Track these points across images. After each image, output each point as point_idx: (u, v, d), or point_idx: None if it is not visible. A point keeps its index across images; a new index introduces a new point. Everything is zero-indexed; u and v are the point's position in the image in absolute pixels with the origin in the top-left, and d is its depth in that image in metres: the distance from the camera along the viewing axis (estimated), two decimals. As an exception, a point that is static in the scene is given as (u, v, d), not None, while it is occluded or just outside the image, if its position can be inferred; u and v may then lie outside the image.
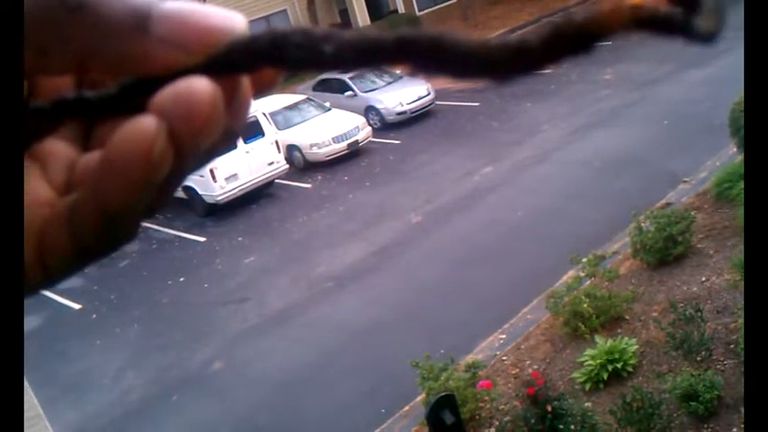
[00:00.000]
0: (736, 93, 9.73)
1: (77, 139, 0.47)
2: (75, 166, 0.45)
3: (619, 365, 7.75)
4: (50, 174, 0.45)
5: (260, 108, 16.79)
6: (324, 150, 17.31)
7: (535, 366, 8.53)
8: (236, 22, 0.41)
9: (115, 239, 0.42)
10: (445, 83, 21.83)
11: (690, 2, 0.38)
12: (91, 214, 0.41)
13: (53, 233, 0.42)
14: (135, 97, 0.41)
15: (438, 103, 19.51)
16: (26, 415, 5.95)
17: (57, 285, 0.46)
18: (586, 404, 7.51)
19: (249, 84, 0.44)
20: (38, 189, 0.44)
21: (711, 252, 9.37)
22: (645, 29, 0.39)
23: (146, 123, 0.38)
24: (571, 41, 0.39)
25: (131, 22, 0.38)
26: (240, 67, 0.42)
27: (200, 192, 15.33)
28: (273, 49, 0.41)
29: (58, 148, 0.46)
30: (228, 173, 15.27)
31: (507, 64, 0.39)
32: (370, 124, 18.49)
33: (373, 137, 18.11)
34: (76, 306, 13.18)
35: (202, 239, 14.87)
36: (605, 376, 7.74)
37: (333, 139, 17.35)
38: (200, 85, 0.39)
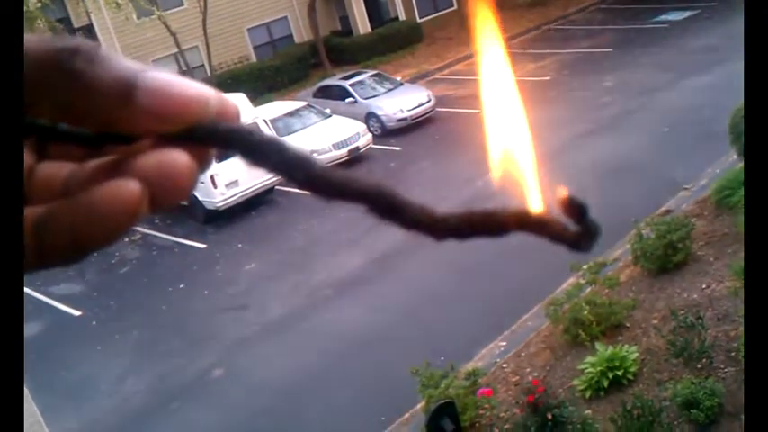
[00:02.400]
0: (737, 100, 9.74)
1: (32, 145, 0.48)
2: (32, 173, 0.47)
3: (619, 373, 7.73)
4: None
5: (261, 115, 16.82)
6: (324, 157, 17.30)
7: (535, 374, 8.51)
8: (210, 98, 0.44)
9: (79, 258, 0.45)
10: (446, 89, 21.87)
11: (581, 222, 0.49)
12: (63, 240, 0.43)
13: None
14: (110, 144, 0.45)
15: (438, 109, 19.53)
16: (25, 422, 5.93)
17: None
18: (587, 412, 7.49)
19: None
20: None
21: (712, 259, 9.36)
22: (538, 235, 0.49)
23: (131, 189, 0.42)
24: (478, 227, 0.48)
25: (118, 90, 0.41)
26: (216, 145, 0.46)
27: (200, 198, 15.31)
28: (249, 149, 0.45)
29: None
30: (229, 179, 15.25)
31: (435, 229, 0.48)
32: (370, 131, 18.51)
33: (374, 144, 18.13)
34: (76, 313, 13.17)
35: (202, 246, 14.87)
36: (606, 384, 7.73)
37: (333, 145, 17.36)
38: (182, 160, 0.43)
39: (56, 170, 0.47)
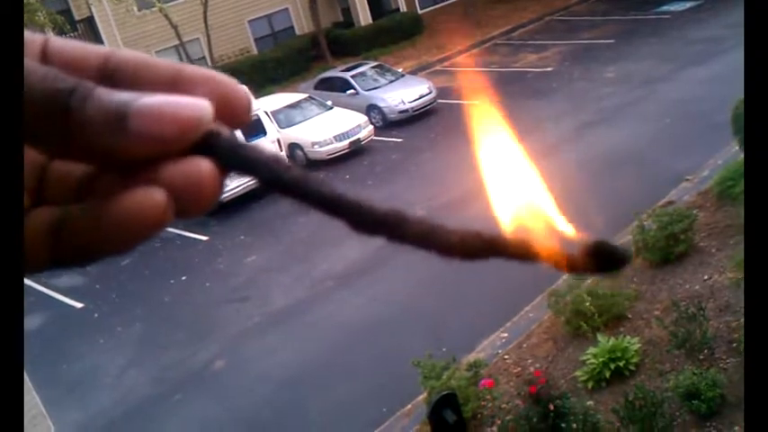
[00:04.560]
0: (739, 90, 9.69)
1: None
2: (45, 171, 0.48)
3: (621, 364, 7.74)
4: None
5: (262, 107, 16.80)
6: (326, 149, 17.31)
7: (537, 365, 8.52)
8: (204, 111, 0.43)
9: (94, 261, 0.46)
10: (447, 81, 21.83)
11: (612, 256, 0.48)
12: (80, 243, 0.44)
13: (30, 240, 0.44)
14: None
15: (440, 101, 19.50)
16: (29, 414, 5.95)
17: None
18: (589, 403, 7.51)
19: None
20: None
21: (714, 250, 9.36)
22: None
23: (157, 199, 0.43)
24: (503, 251, 0.48)
25: (111, 122, 0.42)
26: (232, 167, 0.46)
27: (202, 190, 15.28)
28: (272, 178, 0.46)
29: (28, 152, 0.47)
30: (230, 171, 15.21)
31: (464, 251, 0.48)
32: (372, 123, 18.48)
33: (375, 135, 18.11)
34: (78, 305, 13.19)
35: (204, 238, 14.88)
36: (608, 375, 7.74)
37: (335, 137, 17.34)
38: (206, 168, 0.44)
39: (70, 169, 0.48)
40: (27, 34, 0.45)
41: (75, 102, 0.41)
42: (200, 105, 0.43)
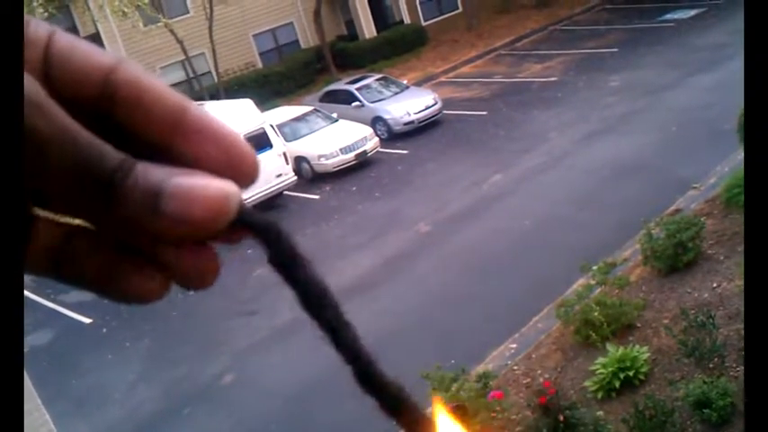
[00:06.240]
0: (744, 98, 9.68)
1: None
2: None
3: (631, 373, 7.70)
4: None
5: (268, 120, 16.85)
6: (332, 161, 17.33)
7: (546, 375, 8.49)
8: (232, 197, 0.43)
9: (94, 293, 0.48)
10: (452, 92, 21.87)
11: None
12: (81, 274, 0.45)
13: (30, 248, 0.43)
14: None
15: (445, 112, 19.52)
16: (39, 431, 5.96)
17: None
18: (598, 413, 7.47)
19: None
20: None
21: (722, 258, 9.32)
22: None
23: (154, 284, 0.46)
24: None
25: (145, 203, 0.41)
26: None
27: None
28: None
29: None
30: (237, 185, 15.26)
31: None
32: (377, 135, 18.52)
33: (381, 147, 18.13)
34: (87, 320, 13.21)
35: (212, 252, 14.88)
36: (617, 384, 7.70)
37: (341, 149, 17.38)
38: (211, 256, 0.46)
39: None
40: (33, 27, 0.43)
41: (118, 179, 0.41)
42: (228, 190, 0.43)
